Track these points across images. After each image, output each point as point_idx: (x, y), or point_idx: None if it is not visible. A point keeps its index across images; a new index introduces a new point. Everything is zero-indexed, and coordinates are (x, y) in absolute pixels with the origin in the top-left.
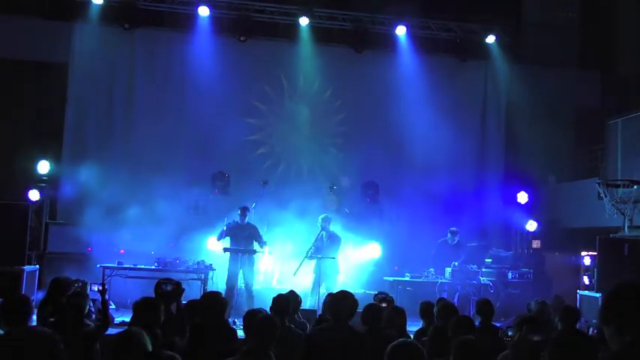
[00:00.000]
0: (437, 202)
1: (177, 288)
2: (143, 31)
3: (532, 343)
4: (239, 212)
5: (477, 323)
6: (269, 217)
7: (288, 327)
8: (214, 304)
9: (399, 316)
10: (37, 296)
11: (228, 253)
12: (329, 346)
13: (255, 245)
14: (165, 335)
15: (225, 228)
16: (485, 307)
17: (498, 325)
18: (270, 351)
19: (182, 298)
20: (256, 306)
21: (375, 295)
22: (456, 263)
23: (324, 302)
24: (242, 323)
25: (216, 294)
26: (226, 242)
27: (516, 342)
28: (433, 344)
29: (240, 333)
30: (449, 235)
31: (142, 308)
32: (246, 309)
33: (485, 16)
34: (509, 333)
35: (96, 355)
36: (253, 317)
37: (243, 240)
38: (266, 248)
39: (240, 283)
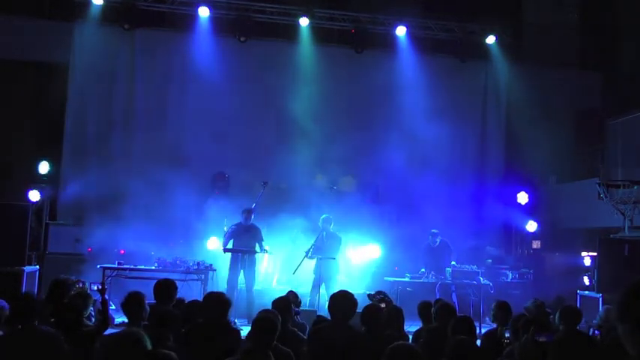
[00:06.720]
0: (437, 202)
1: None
2: (143, 32)
3: (539, 344)
4: (244, 214)
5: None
6: (269, 218)
7: (290, 329)
8: (218, 304)
9: (397, 316)
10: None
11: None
12: (328, 347)
13: (257, 247)
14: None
15: (226, 229)
16: (501, 312)
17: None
18: (269, 351)
19: (184, 298)
20: (256, 306)
21: (373, 294)
22: (454, 263)
23: None
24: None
25: (220, 294)
26: (228, 243)
27: (523, 343)
28: (429, 345)
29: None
30: (430, 237)
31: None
32: (245, 309)
33: (486, 17)
34: (507, 334)
35: (95, 355)
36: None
37: (246, 241)
38: (266, 247)
39: (241, 284)
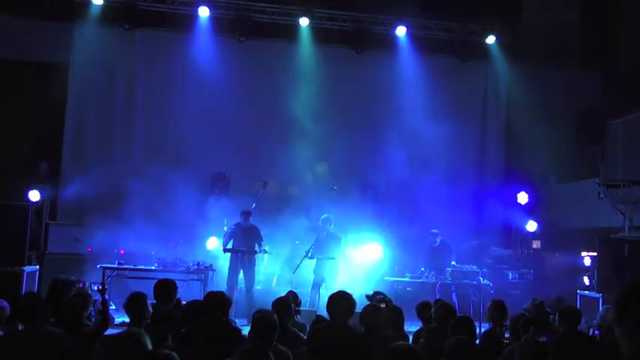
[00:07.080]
0: (437, 202)
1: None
2: (143, 32)
3: (539, 344)
4: (243, 216)
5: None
6: (269, 218)
7: (290, 329)
8: (219, 303)
9: (396, 316)
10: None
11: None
12: (328, 347)
13: (257, 247)
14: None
15: (225, 229)
16: (496, 312)
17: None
18: (269, 351)
19: (181, 299)
20: (256, 306)
21: (371, 295)
22: (454, 263)
23: None
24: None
25: (220, 293)
26: (228, 243)
27: (523, 343)
28: (429, 345)
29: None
30: (430, 237)
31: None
32: (245, 309)
33: (486, 17)
34: (506, 335)
35: (96, 355)
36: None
37: (245, 241)
38: (265, 247)
39: (241, 283)
